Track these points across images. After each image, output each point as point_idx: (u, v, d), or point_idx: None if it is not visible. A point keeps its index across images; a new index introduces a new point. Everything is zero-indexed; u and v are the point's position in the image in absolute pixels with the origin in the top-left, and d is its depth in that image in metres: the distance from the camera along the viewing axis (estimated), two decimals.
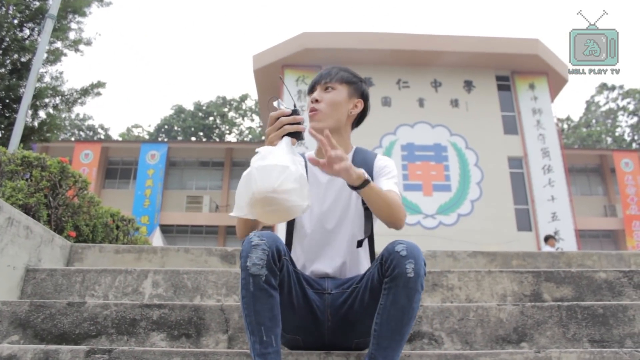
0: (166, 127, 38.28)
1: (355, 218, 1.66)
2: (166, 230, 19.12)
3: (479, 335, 1.99)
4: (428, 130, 16.37)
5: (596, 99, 36.85)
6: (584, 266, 3.26)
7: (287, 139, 1.41)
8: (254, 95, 38.96)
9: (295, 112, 1.44)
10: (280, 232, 2.64)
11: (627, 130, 35.36)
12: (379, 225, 1.68)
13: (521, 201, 15.89)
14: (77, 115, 37.17)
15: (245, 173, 1.33)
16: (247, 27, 79.22)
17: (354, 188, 1.45)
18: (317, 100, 1.69)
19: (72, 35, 9.67)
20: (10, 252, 2.36)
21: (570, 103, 62.89)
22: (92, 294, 2.45)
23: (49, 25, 6.28)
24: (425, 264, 1.40)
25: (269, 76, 16.76)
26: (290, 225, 1.70)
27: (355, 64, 15.37)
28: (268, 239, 1.38)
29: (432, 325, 2.00)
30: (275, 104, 1.49)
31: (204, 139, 37.12)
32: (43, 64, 8.68)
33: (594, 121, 37.04)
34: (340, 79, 1.72)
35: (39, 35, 8.75)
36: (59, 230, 3.49)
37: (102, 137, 37.62)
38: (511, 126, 16.73)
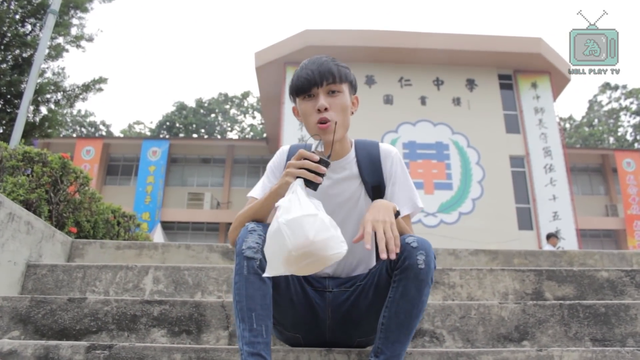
0: (168, 123, 38.26)
1: (359, 221, 1.57)
2: (167, 227, 19.14)
3: (481, 334, 1.98)
4: (430, 129, 16.34)
5: (599, 98, 36.78)
6: (585, 265, 3.26)
7: (301, 182, 1.33)
8: (255, 92, 38.92)
9: (323, 162, 1.36)
10: None
11: (630, 130, 35.28)
12: None
13: (522, 200, 15.86)
14: (79, 111, 37.23)
15: (272, 230, 1.23)
16: (250, 24, 79.17)
17: None
18: (326, 109, 1.49)
19: (73, 31, 9.69)
20: (11, 247, 2.36)
21: (572, 102, 62.78)
22: (93, 289, 2.45)
23: (50, 20, 6.27)
24: (435, 258, 1.37)
25: (271, 73, 16.74)
26: None
27: (357, 61, 15.35)
28: (265, 227, 1.38)
29: (433, 323, 1.99)
30: (314, 144, 1.44)
31: (206, 136, 37.11)
32: (45, 60, 8.68)
33: (596, 121, 36.95)
34: (344, 77, 1.54)
35: (40, 30, 8.75)
36: (60, 226, 3.49)
37: (104, 133, 37.64)
38: (513, 125, 16.69)
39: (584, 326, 1.99)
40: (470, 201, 15.51)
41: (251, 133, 39.16)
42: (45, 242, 2.72)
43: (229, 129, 40.10)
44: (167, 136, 34.38)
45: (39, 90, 8.58)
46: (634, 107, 34.76)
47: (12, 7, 8.82)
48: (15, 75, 8.58)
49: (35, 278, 2.46)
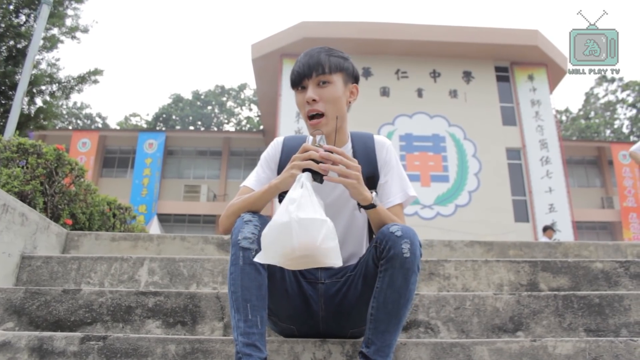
0: (164, 116, 38.13)
1: (352, 210, 1.60)
2: (164, 219, 19.13)
3: (475, 324, 1.99)
4: (426, 121, 16.33)
5: (595, 90, 36.80)
6: (580, 256, 3.27)
7: (308, 176, 1.34)
8: (252, 84, 38.86)
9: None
10: None
11: (626, 122, 35.36)
12: None
13: (519, 192, 15.90)
14: (75, 103, 37.04)
15: (280, 221, 1.23)
16: (246, 16, 78.72)
17: (359, 205, 1.46)
18: (314, 100, 1.49)
19: (68, 22, 9.58)
20: (6, 239, 2.35)
21: (569, 95, 62.92)
22: (88, 281, 2.44)
23: (45, 11, 6.21)
24: (421, 245, 1.38)
25: (268, 65, 16.67)
26: None
27: (354, 53, 15.22)
28: (260, 217, 1.39)
29: (428, 314, 2.00)
30: (317, 138, 1.44)
31: (202, 128, 37.01)
32: (39, 51, 8.61)
33: (592, 113, 37.00)
34: (334, 67, 1.52)
35: (35, 21, 8.65)
36: (55, 217, 3.48)
37: (100, 125, 37.48)
38: (510, 117, 16.69)
39: (578, 317, 2.00)
40: (466, 193, 15.53)
41: (248, 125, 39.07)
42: (40, 233, 2.71)
43: (226, 121, 40.01)
44: (163, 128, 34.26)
45: (34, 82, 8.50)
46: (630, 99, 34.80)
47: None
48: (10, 66, 8.50)
49: (30, 270, 2.46)
